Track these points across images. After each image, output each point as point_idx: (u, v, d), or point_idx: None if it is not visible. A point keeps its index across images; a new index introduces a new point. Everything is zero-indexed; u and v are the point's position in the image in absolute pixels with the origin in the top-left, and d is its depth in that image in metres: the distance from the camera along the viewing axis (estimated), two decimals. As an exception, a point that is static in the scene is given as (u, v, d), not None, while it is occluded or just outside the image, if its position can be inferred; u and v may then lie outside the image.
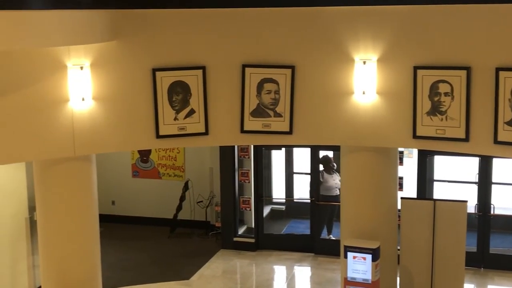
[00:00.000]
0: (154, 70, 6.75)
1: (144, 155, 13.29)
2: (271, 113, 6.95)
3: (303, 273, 11.30)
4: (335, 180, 11.78)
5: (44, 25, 5.67)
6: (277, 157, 13.18)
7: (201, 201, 12.77)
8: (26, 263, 9.49)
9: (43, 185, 6.92)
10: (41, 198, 6.97)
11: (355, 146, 7.14)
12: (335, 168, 11.82)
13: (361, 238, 7.29)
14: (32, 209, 9.08)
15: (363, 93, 6.74)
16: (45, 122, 6.44)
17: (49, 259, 7.02)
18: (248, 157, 11.86)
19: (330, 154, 11.91)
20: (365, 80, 6.71)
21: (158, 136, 6.86)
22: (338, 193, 11.76)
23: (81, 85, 6.51)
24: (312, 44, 6.82)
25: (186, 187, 12.69)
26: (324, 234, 11.78)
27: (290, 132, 6.96)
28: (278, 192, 13.46)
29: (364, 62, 6.68)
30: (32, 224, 9.26)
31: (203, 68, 6.84)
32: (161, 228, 12.82)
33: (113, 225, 12.63)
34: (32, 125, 6.38)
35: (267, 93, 6.93)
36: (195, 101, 6.89)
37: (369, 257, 7.16)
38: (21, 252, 9.46)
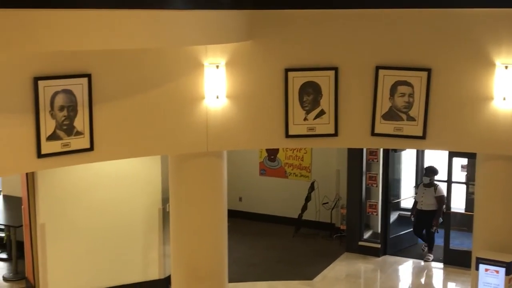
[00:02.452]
0: (287, 70, 6.80)
1: (272, 154, 13.48)
2: (404, 116, 6.77)
3: (430, 283, 10.94)
4: (427, 194, 11.33)
5: (183, 25, 5.88)
6: (408, 161, 12.79)
7: (327, 203, 12.74)
8: (157, 252, 9.91)
9: (177, 178, 7.20)
10: (174, 190, 7.26)
11: (493, 154, 6.80)
12: (432, 181, 11.37)
13: (494, 251, 6.94)
14: (165, 200, 9.49)
15: (504, 99, 6.40)
16: (182, 118, 6.69)
17: (180, 249, 7.28)
18: (377, 161, 11.67)
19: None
20: (507, 86, 6.36)
21: (287, 135, 6.91)
22: (425, 208, 11.33)
23: (216, 83, 6.69)
24: (450, 46, 6.57)
25: (312, 187, 12.70)
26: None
27: (423, 137, 6.75)
28: (407, 196, 13.10)
29: (506, 67, 6.34)
30: (165, 215, 9.66)
31: (335, 69, 6.80)
32: (286, 226, 12.93)
33: (239, 220, 12.92)
34: (170, 121, 6.64)
35: (401, 96, 6.76)
36: (326, 102, 6.87)
37: (502, 270, 6.79)
38: (153, 241, 9.89)
